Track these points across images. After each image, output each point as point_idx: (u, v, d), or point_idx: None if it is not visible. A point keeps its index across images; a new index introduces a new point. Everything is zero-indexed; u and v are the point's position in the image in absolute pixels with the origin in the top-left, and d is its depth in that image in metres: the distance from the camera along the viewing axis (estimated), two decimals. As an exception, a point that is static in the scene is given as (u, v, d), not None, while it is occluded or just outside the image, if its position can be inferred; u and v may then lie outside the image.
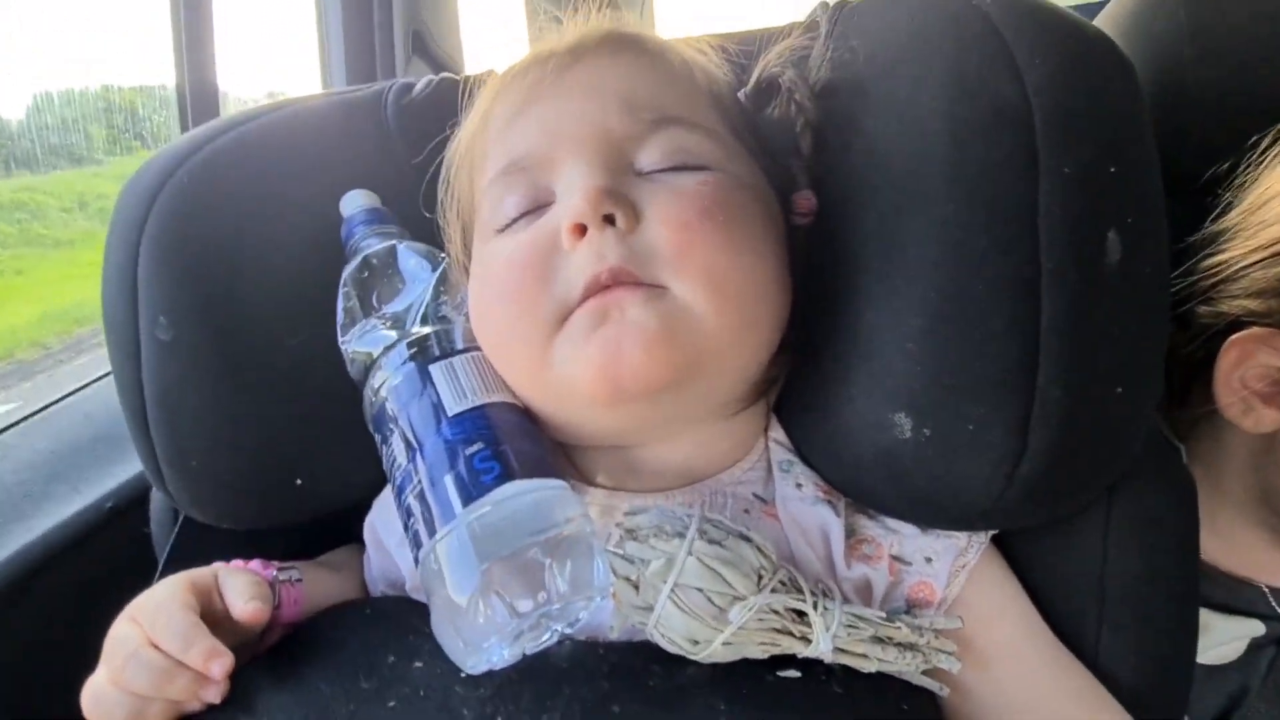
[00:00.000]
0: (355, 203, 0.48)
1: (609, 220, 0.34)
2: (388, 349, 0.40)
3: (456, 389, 0.36)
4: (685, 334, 0.33)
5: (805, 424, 0.39)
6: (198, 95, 0.90)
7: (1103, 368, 0.30)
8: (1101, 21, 0.64)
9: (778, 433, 0.41)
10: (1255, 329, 0.42)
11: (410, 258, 0.44)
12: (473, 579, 0.30)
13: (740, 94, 0.46)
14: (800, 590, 0.33)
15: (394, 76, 1.10)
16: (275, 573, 0.38)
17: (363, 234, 0.47)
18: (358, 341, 0.41)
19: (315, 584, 0.40)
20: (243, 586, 0.36)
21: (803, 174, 0.42)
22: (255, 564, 0.38)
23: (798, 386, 0.40)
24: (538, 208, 0.38)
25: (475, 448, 0.33)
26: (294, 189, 0.47)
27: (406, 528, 0.35)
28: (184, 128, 0.90)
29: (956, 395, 0.31)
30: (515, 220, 0.38)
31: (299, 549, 0.45)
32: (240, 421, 0.41)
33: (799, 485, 0.39)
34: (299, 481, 0.42)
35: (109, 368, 0.44)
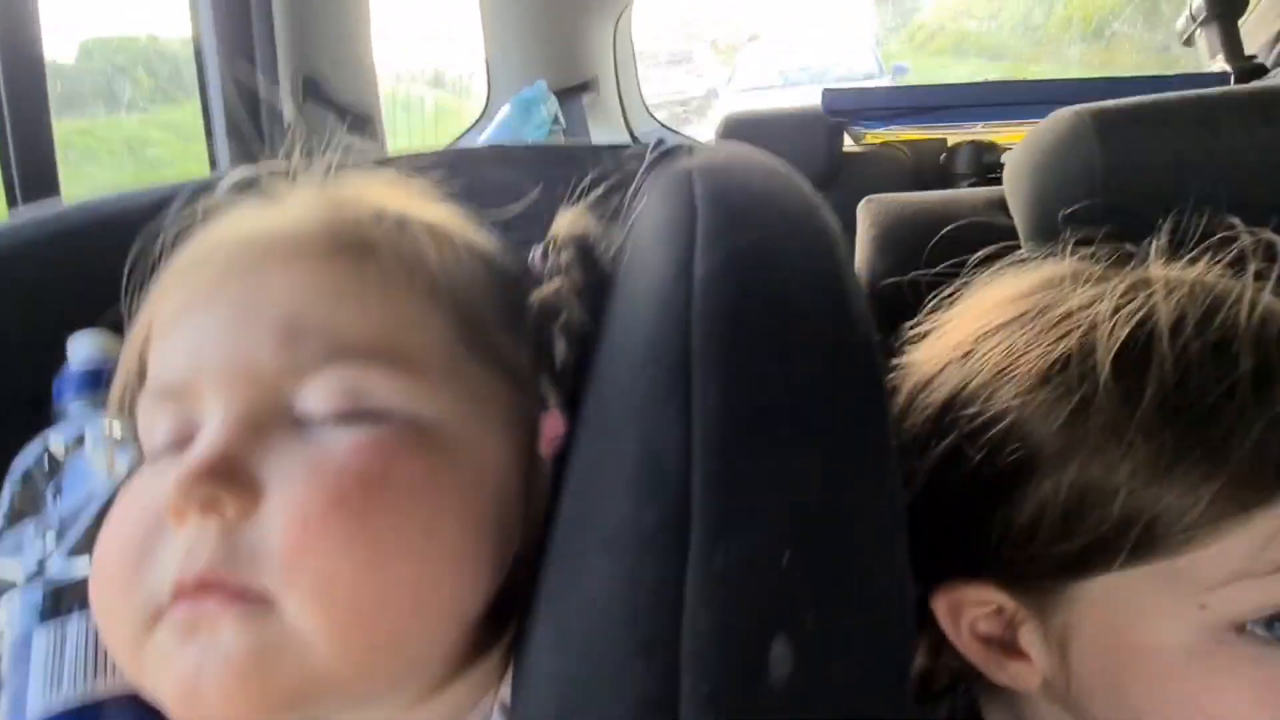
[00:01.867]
0: (81, 351, 0.41)
1: (214, 505, 0.27)
2: (26, 580, 0.34)
3: (53, 672, 0.30)
4: (284, 668, 0.26)
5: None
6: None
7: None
8: (1019, 150, 0.56)
9: (509, 691, 0.35)
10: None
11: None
12: None
13: (533, 255, 0.39)
14: None
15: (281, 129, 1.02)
16: None
17: (71, 399, 0.40)
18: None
19: None
20: None
21: (552, 389, 0.35)
22: None
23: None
24: (187, 440, 0.31)
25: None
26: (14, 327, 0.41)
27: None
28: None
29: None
30: (161, 453, 0.31)
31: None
32: None
33: None
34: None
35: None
